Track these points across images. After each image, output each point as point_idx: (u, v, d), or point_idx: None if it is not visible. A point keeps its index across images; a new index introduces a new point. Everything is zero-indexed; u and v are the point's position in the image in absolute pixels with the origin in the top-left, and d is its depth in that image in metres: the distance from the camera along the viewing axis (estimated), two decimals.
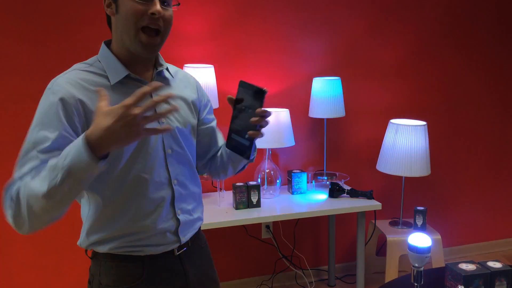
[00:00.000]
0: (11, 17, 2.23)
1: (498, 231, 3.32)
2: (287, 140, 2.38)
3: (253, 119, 1.06)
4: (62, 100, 1.02)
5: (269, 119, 1.10)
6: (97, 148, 0.89)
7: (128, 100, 0.88)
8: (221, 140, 1.41)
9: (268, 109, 1.09)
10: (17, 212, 0.95)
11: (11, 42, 2.25)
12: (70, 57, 2.31)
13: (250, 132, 1.07)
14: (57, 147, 0.99)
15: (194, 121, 1.27)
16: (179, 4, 1.15)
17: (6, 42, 2.24)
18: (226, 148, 1.21)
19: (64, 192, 0.91)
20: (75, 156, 0.88)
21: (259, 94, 1.07)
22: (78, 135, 1.03)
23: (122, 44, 1.11)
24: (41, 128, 1.01)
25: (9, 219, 0.98)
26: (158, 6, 1.06)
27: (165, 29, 1.11)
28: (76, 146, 0.89)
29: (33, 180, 0.93)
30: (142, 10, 1.05)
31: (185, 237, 1.22)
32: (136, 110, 0.88)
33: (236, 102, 1.11)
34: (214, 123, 1.38)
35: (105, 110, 0.89)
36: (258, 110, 1.05)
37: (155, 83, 0.91)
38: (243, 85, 1.10)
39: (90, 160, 0.87)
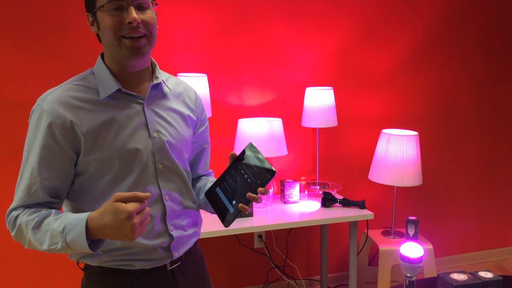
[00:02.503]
0: (6, 24, 2.22)
1: (489, 241, 3.33)
2: (280, 149, 2.39)
3: (252, 195, 1.02)
4: (49, 120, 1.04)
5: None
6: (94, 234, 0.98)
7: (131, 207, 0.94)
8: (204, 167, 1.37)
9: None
10: (18, 238, 1.07)
11: (6, 50, 2.24)
12: (66, 65, 2.30)
13: (242, 205, 1.03)
14: (42, 171, 1.05)
15: (189, 136, 1.24)
16: (156, 4, 1.12)
17: (1, 50, 2.24)
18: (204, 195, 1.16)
19: (62, 253, 1.03)
20: (76, 238, 0.97)
21: (267, 172, 1.02)
22: (68, 151, 1.06)
23: (112, 58, 1.11)
24: (34, 153, 1.05)
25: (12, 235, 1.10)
26: (133, 14, 1.04)
27: (149, 32, 1.08)
28: (78, 229, 0.98)
29: (36, 231, 1.03)
30: (118, 21, 1.04)
31: (178, 253, 1.19)
32: (135, 219, 0.94)
33: (237, 160, 1.08)
34: (205, 146, 1.35)
35: (112, 208, 0.95)
36: (261, 189, 1.02)
37: (146, 195, 0.97)
38: (253, 150, 1.06)
39: (88, 247, 0.98)
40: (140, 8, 1.07)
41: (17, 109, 2.25)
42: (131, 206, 0.94)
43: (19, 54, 2.26)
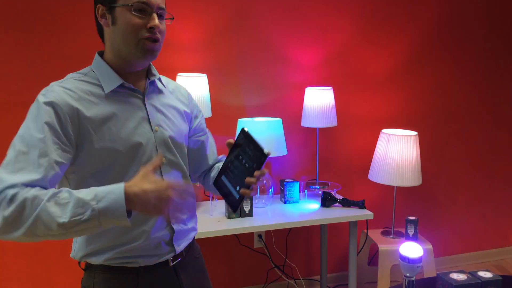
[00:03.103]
0: (5, 24, 2.22)
1: (488, 241, 3.34)
2: (280, 149, 2.39)
3: (249, 179, 1.04)
4: (54, 106, 1.02)
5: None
6: (130, 200, 0.94)
7: (174, 183, 0.97)
8: (213, 156, 1.40)
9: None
10: (16, 219, 0.90)
11: (5, 49, 2.24)
12: (65, 64, 2.31)
13: (243, 190, 1.05)
14: (50, 151, 0.98)
15: (186, 131, 1.28)
16: (173, 18, 1.18)
17: (0, 50, 2.24)
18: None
19: (80, 230, 0.93)
20: (112, 204, 0.92)
21: (260, 155, 1.04)
22: (70, 142, 1.03)
23: (119, 54, 1.12)
24: (34, 132, 0.99)
25: None
26: (156, 21, 1.09)
27: (161, 40, 1.14)
28: (115, 195, 0.93)
29: (51, 203, 0.91)
30: (141, 23, 1.08)
31: (179, 247, 1.22)
32: (172, 194, 0.96)
33: (234, 146, 1.10)
34: (205, 138, 1.38)
35: (151, 178, 0.96)
36: (257, 173, 1.04)
37: (193, 189, 1.02)
38: (246, 135, 1.07)
39: (125, 213, 0.92)
40: (160, 17, 1.13)
41: (16, 109, 2.25)
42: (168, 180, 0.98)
43: (19, 54, 2.26)
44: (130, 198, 0.93)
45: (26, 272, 2.40)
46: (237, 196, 1.07)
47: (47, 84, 1.10)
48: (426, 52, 2.97)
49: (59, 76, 1.14)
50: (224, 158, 1.42)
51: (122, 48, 1.10)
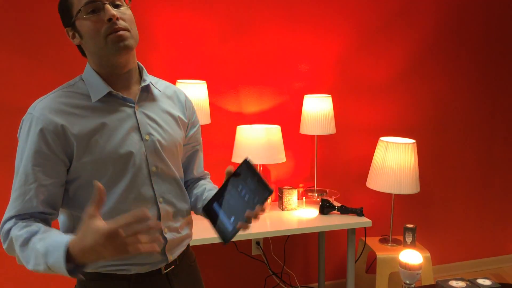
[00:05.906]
0: (3, 31, 2.23)
1: (486, 249, 3.34)
2: (278, 156, 2.39)
3: (250, 213, 0.99)
4: (41, 128, 1.03)
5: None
6: (78, 259, 0.90)
7: (116, 224, 0.86)
8: (199, 169, 1.37)
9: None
10: (10, 251, 1.04)
11: (4, 56, 2.24)
12: (63, 71, 2.31)
13: (240, 224, 1.00)
14: (38, 177, 1.04)
15: (181, 138, 1.25)
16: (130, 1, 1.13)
17: (0, 55, 2.24)
18: (202, 209, 1.15)
19: (47, 273, 0.97)
20: (56, 262, 0.91)
21: (263, 190, 0.98)
22: (61, 157, 1.05)
23: (100, 61, 1.11)
24: (27, 160, 1.04)
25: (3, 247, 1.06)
26: (111, 11, 1.04)
27: (128, 27, 1.08)
28: (58, 253, 0.90)
29: (24, 248, 0.98)
30: (98, 22, 1.05)
31: (172, 256, 1.20)
32: (123, 234, 0.86)
33: (233, 175, 1.05)
34: (197, 148, 1.35)
35: (92, 227, 0.87)
36: (258, 208, 0.99)
37: (144, 213, 0.87)
38: (248, 166, 1.02)
39: (68, 273, 0.91)
40: (115, 6, 1.07)
41: (16, 115, 2.24)
42: (112, 224, 0.87)
43: (19, 60, 2.26)
44: (77, 257, 0.90)
45: (23, 276, 2.38)
46: (230, 228, 1.03)
47: (46, 89, 1.10)
48: (424, 60, 2.99)
49: (60, 82, 1.14)
50: (208, 176, 1.39)
51: (98, 53, 1.08)
